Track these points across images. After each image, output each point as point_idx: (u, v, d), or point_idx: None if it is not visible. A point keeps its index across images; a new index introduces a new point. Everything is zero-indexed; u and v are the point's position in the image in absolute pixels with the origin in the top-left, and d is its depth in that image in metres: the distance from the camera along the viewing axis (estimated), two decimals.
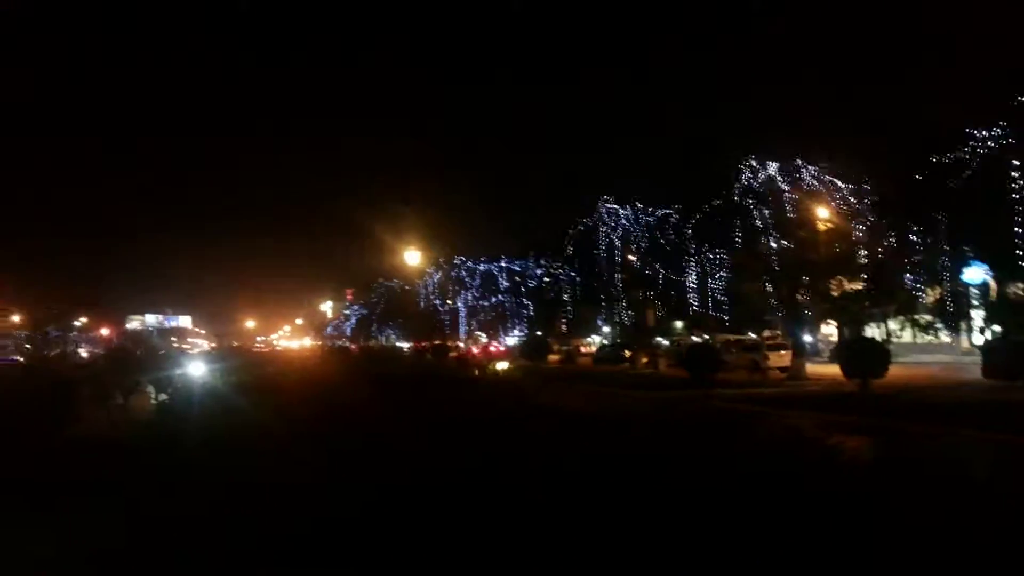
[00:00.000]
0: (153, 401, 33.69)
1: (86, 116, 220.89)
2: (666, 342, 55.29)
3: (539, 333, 69.52)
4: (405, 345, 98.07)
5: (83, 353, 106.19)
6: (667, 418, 20.80)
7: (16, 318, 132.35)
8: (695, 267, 41.34)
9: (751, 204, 35.44)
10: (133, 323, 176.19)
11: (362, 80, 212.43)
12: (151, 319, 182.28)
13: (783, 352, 39.72)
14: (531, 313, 69.72)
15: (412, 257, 52.32)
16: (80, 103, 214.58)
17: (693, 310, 45.14)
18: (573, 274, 56.47)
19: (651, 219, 46.91)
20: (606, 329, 69.70)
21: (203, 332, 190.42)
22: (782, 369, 37.73)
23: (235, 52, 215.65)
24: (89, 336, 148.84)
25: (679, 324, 58.14)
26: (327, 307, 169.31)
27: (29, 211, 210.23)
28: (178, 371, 42.40)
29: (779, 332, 45.38)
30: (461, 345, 77.95)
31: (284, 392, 32.43)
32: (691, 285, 42.75)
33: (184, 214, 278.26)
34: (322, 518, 9.76)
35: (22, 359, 75.89)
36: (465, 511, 9.86)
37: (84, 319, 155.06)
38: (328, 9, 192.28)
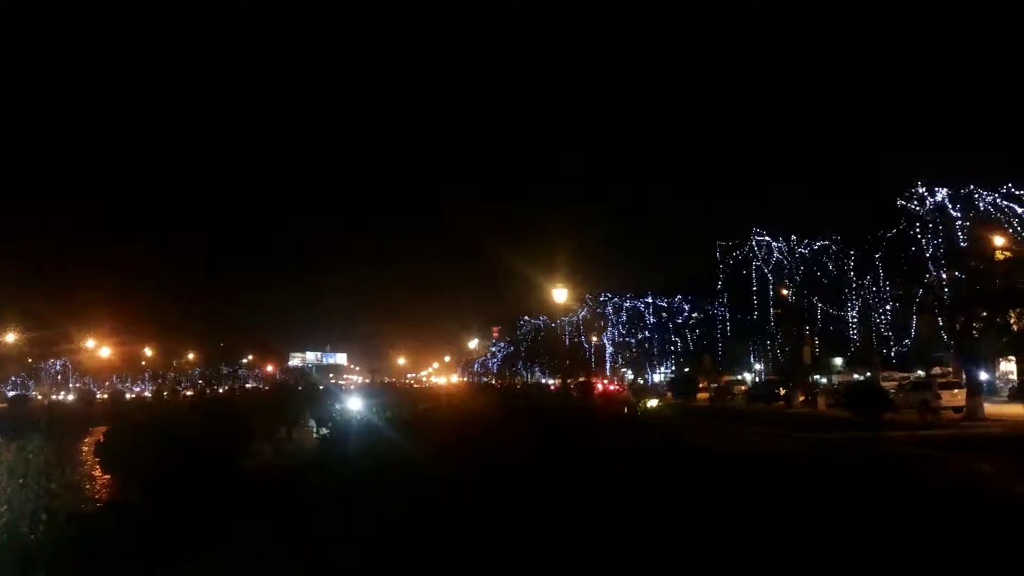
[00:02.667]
0: (315, 435, 35.25)
1: (256, 157, 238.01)
2: (824, 380, 52.68)
3: (687, 370, 67.95)
4: (551, 382, 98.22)
5: (248, 387, 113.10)
6: (835, 461, 19.63)
7: (191, 355, 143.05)
8: (856, 300, 39.19)
9: (919, 233, 33.31)
10: (294, 360, 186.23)
11: (510, 122, 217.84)
12: (311, 356, 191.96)
13: (956, 391, 36.87)
14: (679, 349, 68.32)
15: (559, 294, 52.45)
16: (255, 148, 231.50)
17: (855, 346, 42.80)
18: (723, 309, 54.92)
19: (807, 250, 45.00)
20: (759, 366, 67.25)
21: (357, 368, 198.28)
22: (956, 409, 35.00)
23: (396, 101, 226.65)
24: (254, 373, 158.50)
25: (838, 361, 55.29)
26: (474, 344, 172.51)
27: (198, 253, 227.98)
28: (336, 406, 44.16)
29: (951, 369, 42.25)
30: (604, 382, 77.25)
31: (435, 428, 33.04)
32: (852, 319, 40.55)
33: (340, 256, 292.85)
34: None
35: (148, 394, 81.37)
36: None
37: (250, 356, 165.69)
38: (472, 52, 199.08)
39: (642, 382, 72.90)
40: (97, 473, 20.58)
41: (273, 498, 14.78)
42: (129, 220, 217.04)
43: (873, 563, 9.34)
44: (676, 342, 68.41)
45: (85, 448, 31.47)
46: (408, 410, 48.64)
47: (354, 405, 44.43)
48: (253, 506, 13.97)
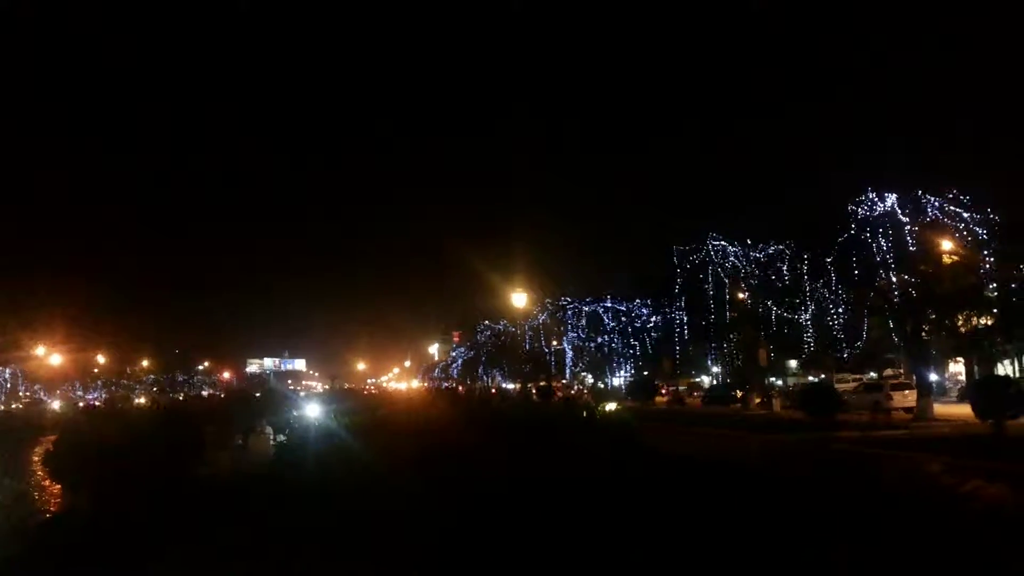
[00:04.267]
0: (272, 442, 34.92)
1: (215, 159, 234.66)
2: (779, 382, 53.47)
3: (646, 373, 68.46)
4: (511, 386, 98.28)
5: (204, 394, 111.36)
6: (787, 463, 19.93)
7: (145, 363, 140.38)
8: (810, 304, 39.86)
9: (869, 238, 34.00)
10: (252, 366, 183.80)
11: (471, 123, 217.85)
12: (268, 362, 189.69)
13: (907, 392, 37.72)
14: (638, 353, 68.79)
15: (519, 299, 52.56)
16: (213, 150, 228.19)
17: (809, 349, 43.53)
18: (681, 313, 55.46)
19: (761, 255, 45.69)
20: (715, 369, 68.06)
21: (316, 375, 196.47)
22: (907, 410, 35.79)
23: (345, 94, 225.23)
24: (211, 379, 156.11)
25: (793, 363, 56.16)
26: (434, 349, 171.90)
27: (153, 259, 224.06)
28: (294, 413, 43.83)
29: (902, 371, 43.19)
30: (562, 386, 77.45)
31: (395, 433, 32.87)
32: (806, 322, 41.25)
33: (298, 261, 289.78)
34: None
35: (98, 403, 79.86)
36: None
37: (207, 363, 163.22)
38: (446, 59, 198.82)
39: (602, 386, 73.28)
40: (47, 483, 20.12)
41: (224, 507, 14.55)
42: (83, 223, 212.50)
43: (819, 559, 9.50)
44: (635, 345, 68.88)
45: (36, 459, 30.73)
46: (367, 416, 48.28)
47: (312, 412, 44.13)
48: (203, 515, 13.76)
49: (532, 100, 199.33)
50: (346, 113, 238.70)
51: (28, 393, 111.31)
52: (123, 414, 52.47)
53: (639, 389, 62.49)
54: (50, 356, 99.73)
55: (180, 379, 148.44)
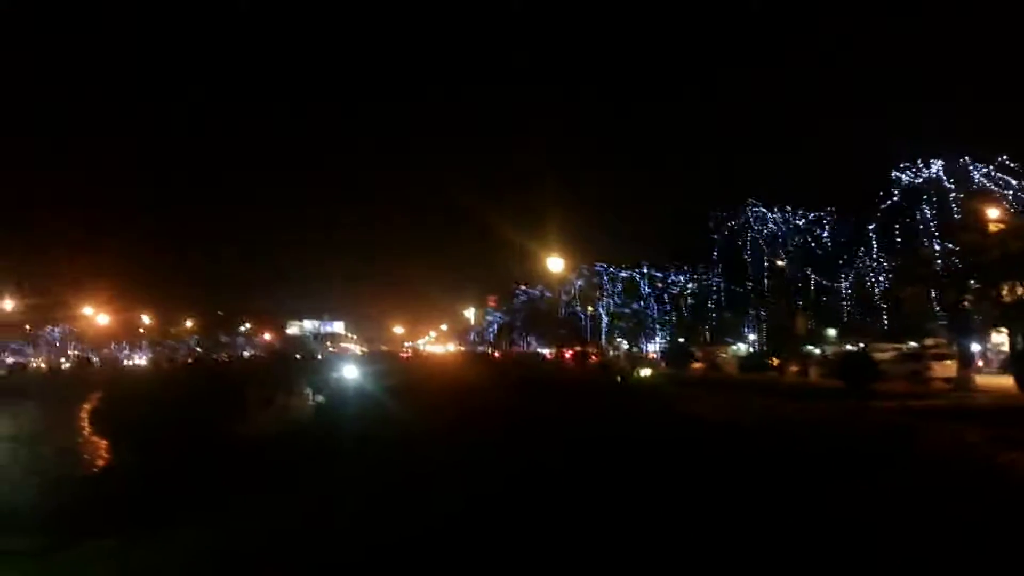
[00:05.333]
0: (311, 403, 35.66)
1: (257, 125, 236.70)
2: (817, 350, 52.97)
3: (682, 340, 68.24)
4: (546, 351, 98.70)
5: (246, 355, 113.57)
6: (822, 431, 19.89)
7: (189, 323, 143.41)
8: (850, 272, 39.32)
9: (913, 205, 33.37)
10: (292, 328, 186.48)
11: (505, 90, 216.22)
12: (308, 324, 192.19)
13: (947, 362, 37.09)
14: (674, 319, 68.54)
15: (555, 264, 52.54)
16: (255, 115, 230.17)
17: (848, 317, 43.04)
18: (718, 279, 55.06)
19: (802, 222, 45.05)
20: (752, 336, 67.59)
21: (355, 337, 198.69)
22: (946, 380, 35.27)
23: (380, 69, 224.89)
24: (253, 340, 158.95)
25: (832, 332, 55.57)
26: (471, 313, 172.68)
27: (197, 223, 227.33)
28: (333, 374, 44.62)
29: (943, 341, 42.51)
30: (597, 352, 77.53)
31: (429, 395, 33.42)
32: (845, 290, 40.72)
33: (335, 224, 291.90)
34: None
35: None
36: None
37: (248, 324, 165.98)
38: (466, 22, 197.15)
39: (637, 352, 73.28)
40: (94, 438, 20.81)
41: (261, 464, 15.00)
42: (129, 187, 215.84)
43: (849, 529, 9.57)
44: (671, 312, 68.57)
45: (83, 415, 31.73)
46: (404, 378, 49.11)
47: (350, 373, 44.88)
48: (241, 470, 14.20)
49: (570, 65, 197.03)
50: (388, 83, 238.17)
51: (77, 352, 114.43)
52: (168, 373, 53.83)
53: (674, 356, 62.34)
54: (97, 316, 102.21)
55: (223, 340, 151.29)
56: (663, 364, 61.87)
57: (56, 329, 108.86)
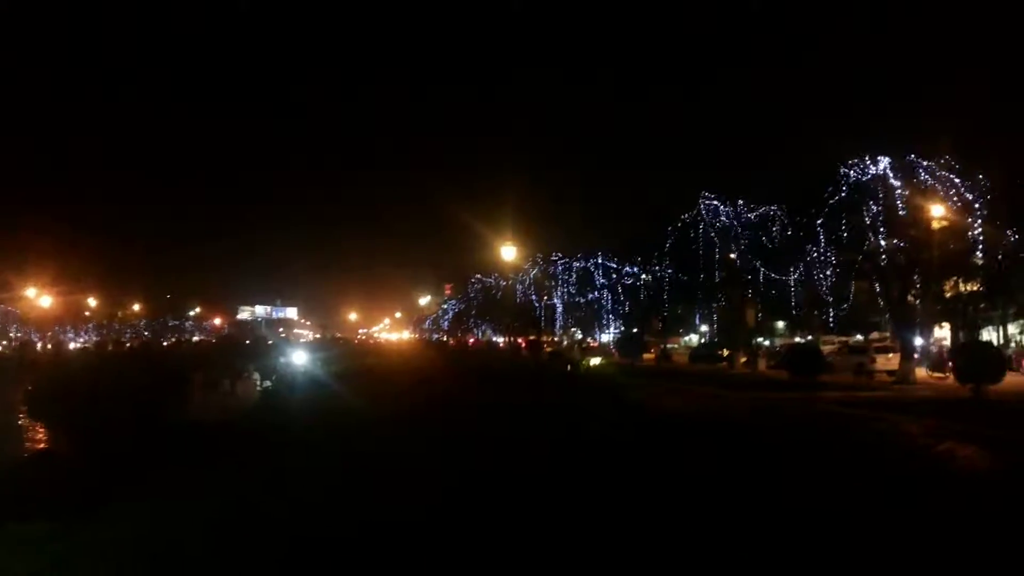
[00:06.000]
0: (258, 387, 35.18)
1: (211, 105, 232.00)
2: (767, 342, 53.79)
3: (635, 330, 68.69)
4: (500, 340, 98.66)
5: (194, 340, 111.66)
6: (766, 418, 20.14)
7: (137, 307, 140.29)
8: (799, 266, 39.83)
9: (860, 201, 33.83)
10: (243, 313, 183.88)
11: (464, 79, 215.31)
12: (260, 310, 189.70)
13: (891, 355, 37.96)
14: (627, 310, 68.87)
15: (508, 252, 52.36)
16: (210, 96, 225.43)
17: (796, 310, 43.64)
18: (671, 271, 55.38)
19: (753, 216, 45.49)
20: (703, 327, 68.37)
21: (308, 323, 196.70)
22: (890, 373, 36.08)
23: (342, 61, 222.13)
24: (202, 325, 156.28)
25: (780, 324, 56.45)
26: (426, 301, 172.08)
27: (148, 205, 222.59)
28: (282, 360, 44.01)
29: (888, 335, 43.42)
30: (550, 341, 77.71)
31: (379, 382, 33.15)
32: (794, 284, 41.28)
33: (293, 210, 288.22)
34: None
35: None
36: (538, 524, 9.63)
37: (198, 308, 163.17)
38: (428, 20, 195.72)
39: (590, 342, 73.57)
40: (26, 423, 20.17)
41: (201, 447, 14.67)
42: (76, 166, 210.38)
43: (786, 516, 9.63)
44: (625, 303, 68.89)
45: (19, 399, 30.77)
46: (355, 364, 48.67)
47: (301, 359, 44.32)
48: (179, 454, 13.87)
49: (528, 54, 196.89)
50: (344, 62, 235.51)
51: (19, 335, 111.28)
52: (112, 357, 52.59)
53: (627, 346, 62.74)
54: (40, 298, 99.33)
55: (171, 324, 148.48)
56: (616, 354, 62.24)
57: None
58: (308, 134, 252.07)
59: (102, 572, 8.32)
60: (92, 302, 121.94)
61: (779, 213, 42.59)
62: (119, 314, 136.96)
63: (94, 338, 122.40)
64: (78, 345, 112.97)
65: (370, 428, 17.65)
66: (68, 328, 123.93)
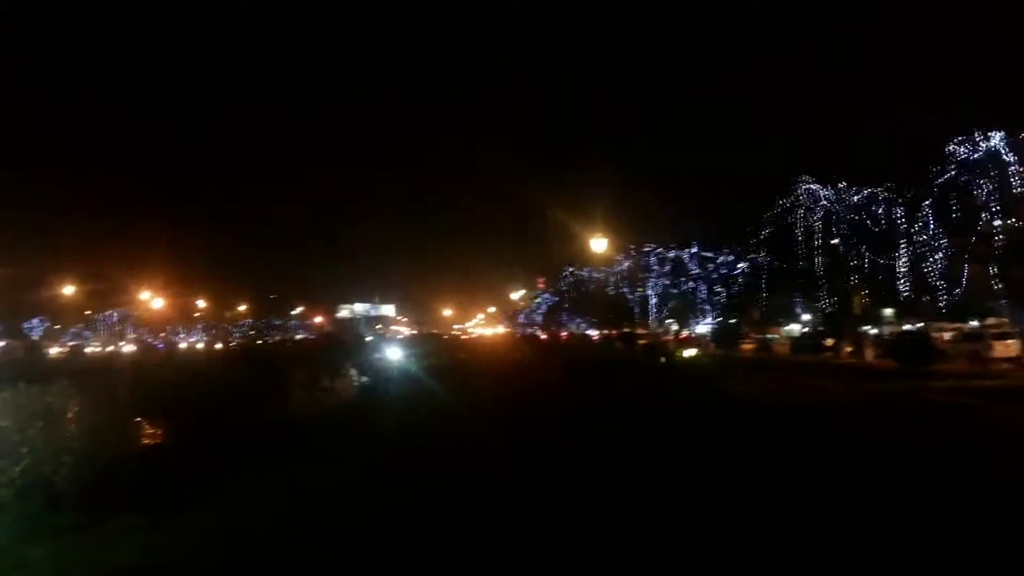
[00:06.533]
0: (355, 383, 35.88)
1: (308, 111, 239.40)
2: (875, 331, 51.53)
3: (732, 321, 67.09)
4: (594, 333, 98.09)
5: (297, 338, 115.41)
6: (871, 409, 19.19)
7: (243, 307, 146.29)
8: (906, 249, 37.93)
9: (971, 179, 31.96)
10: (343, 312, 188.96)
11: (556, 72, 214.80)
12: (359, 308, 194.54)
13: (1010, 342, 35.71)
14: (723, 300, 67.36)
15: (599, 244, 51.98)
16: (306, 100, 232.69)
17: (904, 296, 41.62)
18: (769, 259, 53.78)
19: (856, 199, 43.60)
20: (806, 316, 66.13)
21: (405, 320, 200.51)
22: (1009, 360, 33.95)
23: (430, 55, 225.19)
24: (304, 323, 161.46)
25: (888, 312, 53.99)
26: (519, 295, 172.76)
27: (252, 211, 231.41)
28: (379, 356, 44.79)
29: (1005, 320, 40.91)
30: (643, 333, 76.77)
31: (471, 376, 33.37)
32: (901, 269, 39.36)
33: (391, 209, 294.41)
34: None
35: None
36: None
37: (301, 308, 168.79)
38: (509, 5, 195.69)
39: (686, 333, 72.27)
40: (138, 419, 21.11)
41: (300, 442, 15.03)
42: (184, 174, 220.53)
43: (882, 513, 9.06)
44: (721, 293, 67.41)
45: (129, 397, 32.34)
46: (448, 360, 49.19)
47: (396, 355, 45.01)
48: (280, 449, 14.23)
49: (619, 47, 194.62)
50: (443, 69, 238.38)
51: (134, 335, 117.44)
52: (218, 355, 54.71)
53: (724, 337, 61.40)
54: (154, 300, 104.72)
55: (275, 323, 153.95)
56: (712, 345, 60.95)
57: (115, 313, 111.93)
58: (401, 139, 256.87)
59: (199, 564, 8.54)
60: (201, 303, 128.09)
61: (883, 195, 40.76)
62: (227, 314, 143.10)
63: (204, 338, 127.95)
64: (186, 345, 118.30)
65: (461, 421, 17.74)
66: (179, 328, 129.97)
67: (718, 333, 63.75)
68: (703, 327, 73.16)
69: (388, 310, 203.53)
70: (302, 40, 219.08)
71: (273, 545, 8.83)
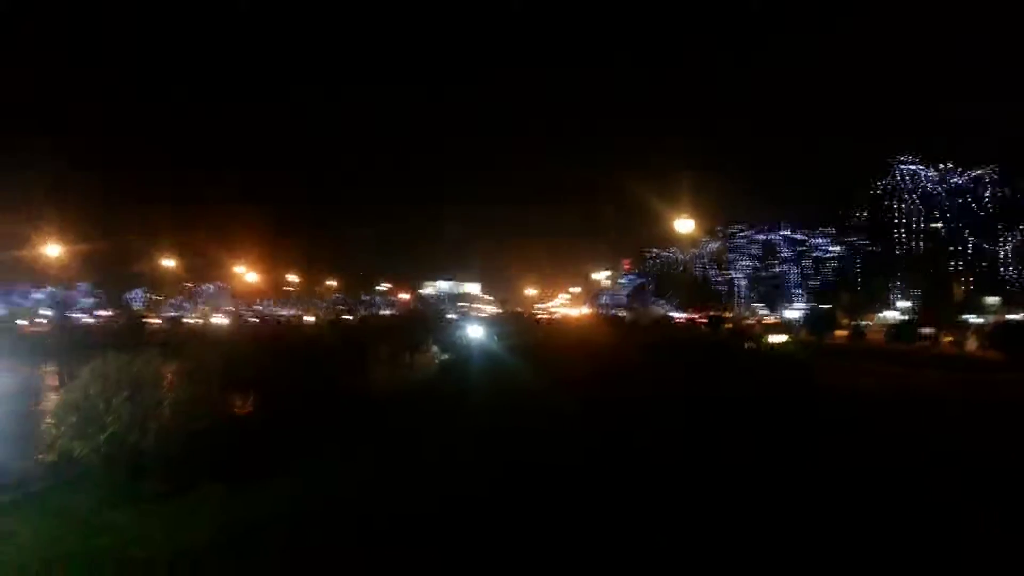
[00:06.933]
0: (436, 360, 36.14)
1: (395, 102, 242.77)
2: (979, 319, 49.01)
3: (825, 306, 64.90)
4: (679, 315, 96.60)
5: (383, 313, 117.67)
6: (980, 404, 18.06)
7: (332, 283, 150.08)
8: (1012, 235, 35.73)
9: None
10: (428, 289, 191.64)
11: (640, 55, 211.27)
12: (443, 285, 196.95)
13: None
14: (816, 284, 65.22)
15: (685, 225, 50.75)
16: (395, 81, 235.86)
17: (1010, 284, 39.29)
18: (865, 243, 51.65)
19: (960, 181, 41.28)
20: (903, 303, 63.45)
21: (489, 298, 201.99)
22: None
23: (513, 37, 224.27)
24: (390, 300, 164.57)
25: (993, 300, 51.25)
26: (603, 276, 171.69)
27: (343, 189, 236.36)
28: (460, 333, 45.01)
29: None
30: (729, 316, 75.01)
31: (553, 356, 33.09)
32: (1007, 255, 37.11)
33: (479, 190, 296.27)
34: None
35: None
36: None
37: (387, 284, 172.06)
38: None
39: (773, 318, 70.36)
40: (224, 389, 21.59)
41: (378, 416, 15.15)
42: (279, 154, 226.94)
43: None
44: (813, 277, 65.31)
45: (220, 367, 33.22)
46: (530, 339, 49.07)
47: (477, 332, 45.15)
48: (356, 423, 14.34)
49: (700, 18, 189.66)
50: (522, 51, 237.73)
51: (229, 308, 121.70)
52: (307, 329, 55.96)
53: (815, 322, 59.45)
54: (248, 275, 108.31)
55: (363, 299, 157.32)
56: (803, 331, 59.08)
57: (211, 287, 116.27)
58: (485, 120, 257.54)
59: (278, 531, 8.64)
60: (293, 278, 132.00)
61: (991, 176, 38.42)
62: (316, 289, 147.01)
63: (295, 311, 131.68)
64: (282, 318, 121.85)
65: (540, 402, 17.56)
66: (271, 302, 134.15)
67: (810, 319, 61.78)
68: (793, 312, 71.07)
69: (472, 288, 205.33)
70: (403, 32, 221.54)
71: (344, 516, 8.88)
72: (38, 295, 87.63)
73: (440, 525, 8.39)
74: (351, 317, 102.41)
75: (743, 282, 76.43)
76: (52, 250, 79.19)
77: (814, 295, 66.44)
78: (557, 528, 8.09)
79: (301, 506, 9.63)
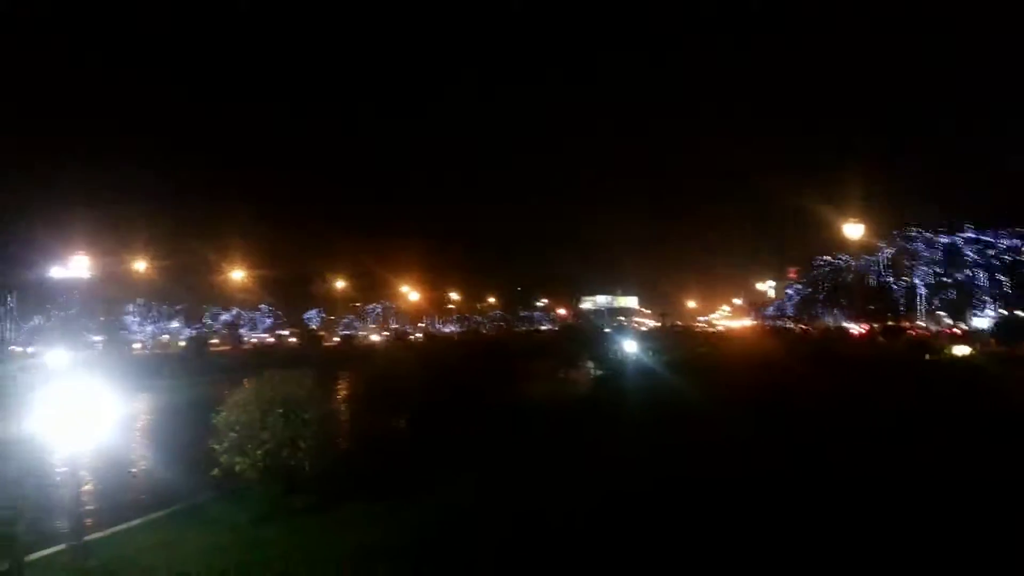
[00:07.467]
0: (591, 375, 35.81)
1: (551, 120, 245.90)
2: None
3: (1019, 313, 59.13)
4: (853, 326, 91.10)
5: (542, 328, 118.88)
6: None
7: (491, 299, 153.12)
8: None
9: None
10: (586, 303, 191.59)
11: (789, 53, 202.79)
12: (601, 299, 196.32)
13: None
14: (1007, 290, 59.59)
15: (853, 230, 47.66)
16: (561, 106, 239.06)
17: None
18: None
19: None
20: None
21: (648, 312, 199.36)
22: None
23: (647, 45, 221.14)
24: (548, 314, 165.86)
25: None
26: (767, 286, 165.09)
27: (501, 206, 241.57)
28: (616, 348, 44.41)
29: None
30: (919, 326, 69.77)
31: (715, 374, 31.92)
32: None
33: (636, 203, 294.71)
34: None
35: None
36: None
37: (545, 300, 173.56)
38: None
39: (955, 328, 64.85)
40: (378, 406, 22.32)
41: (522, 430, 15.11)
42: (438, 180, 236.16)
43: None
44: (1004, 282, 59.72)
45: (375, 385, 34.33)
46: (689, 353, 47.72)
47: (632, 347, 44.37)
48: (503, 442, 14.34)
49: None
50: (671, 59, 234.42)
51: (395, 325, 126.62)
52: (465, 346, 57.06)
53: (1008, 332, 54.09)
54: (411, 294, 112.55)
55: (522, 315, 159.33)
56: (992, 342, 54.03)
57: (378, 306, 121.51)
58: (637, 136, 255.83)
59: (430, 548, 8.62)
60: (454, 295, 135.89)
61: None
62: (477, 306, 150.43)
63: (455, 328, 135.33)
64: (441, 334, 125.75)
65: (695, 419, 16.91)
66: (434, 319, 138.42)
67: (1001, 328, 56.37)
68: (982, 320, 65.27)
69: (630, 302, 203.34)
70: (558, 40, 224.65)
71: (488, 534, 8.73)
72: (225, 317, 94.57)
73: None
74: (506, 330, 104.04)
75: (923, 290, 70.88)
76: (236, 275, 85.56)
77: (1006, 301, 60.60)
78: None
79: (437, 528, 9.57)
